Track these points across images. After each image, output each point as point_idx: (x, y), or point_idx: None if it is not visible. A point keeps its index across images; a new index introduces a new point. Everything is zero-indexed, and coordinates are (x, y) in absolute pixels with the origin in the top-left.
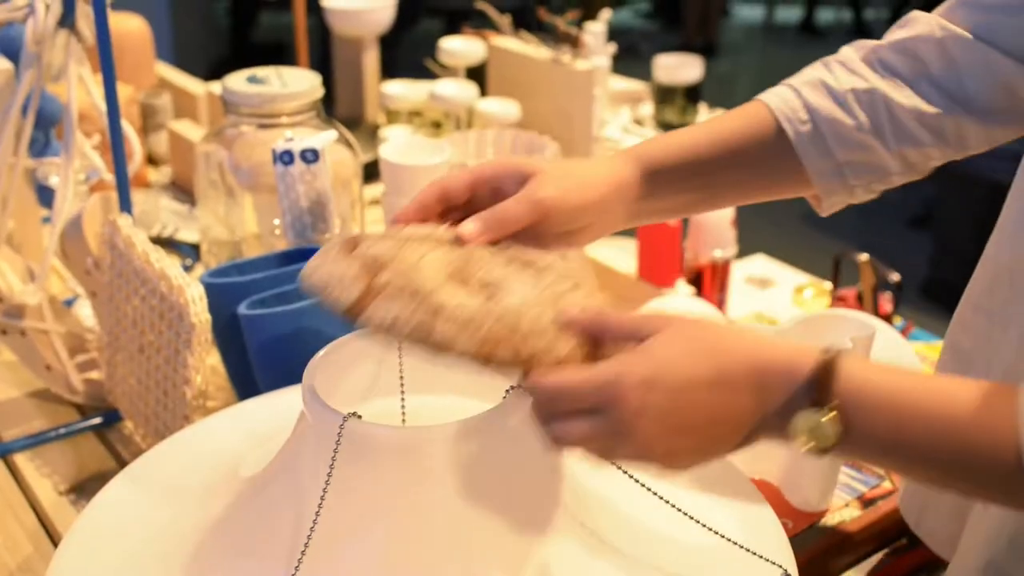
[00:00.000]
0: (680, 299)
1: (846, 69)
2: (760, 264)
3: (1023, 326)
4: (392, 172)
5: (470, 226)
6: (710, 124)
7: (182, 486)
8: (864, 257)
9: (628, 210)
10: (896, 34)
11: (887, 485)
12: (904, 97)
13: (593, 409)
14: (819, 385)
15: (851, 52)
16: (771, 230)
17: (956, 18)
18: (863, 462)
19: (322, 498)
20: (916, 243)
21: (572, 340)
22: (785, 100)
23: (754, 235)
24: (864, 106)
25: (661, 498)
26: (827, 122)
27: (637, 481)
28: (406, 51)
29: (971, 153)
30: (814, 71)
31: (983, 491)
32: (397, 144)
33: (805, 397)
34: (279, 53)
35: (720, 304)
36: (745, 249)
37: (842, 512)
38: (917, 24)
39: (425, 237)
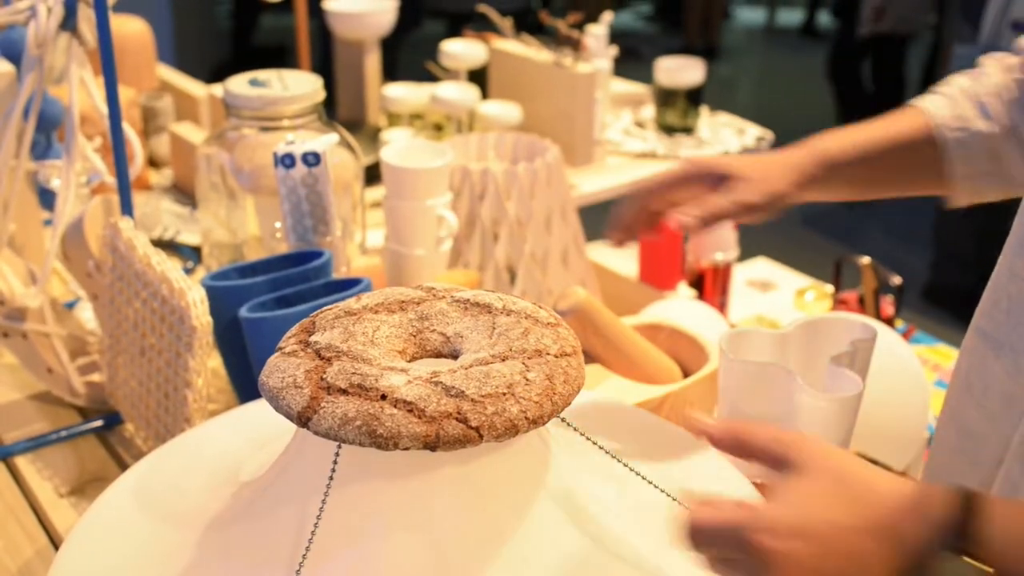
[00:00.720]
0: (682, 302)
1: (990, 80)
2: (761, 267)
3: (1016, 351)
4: (393, 175)
5: (693, 217)
6: (874, 126)
7: (183, 490)
8: (866, 260)
9: (790, 197)
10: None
11: None
12: None
13: (738, 547)
14: (959, 529)
15: (992, 63)
16: (772, 233)
17: None
18: None
19: (323, 504)
20: (918, 247)
21: (532, 400)
22: (938, 107)
23: (755, 238)
24: (1008, 117)
25: (657, 487)
26: (972, 132)
27: (640, 475)
28: (408, 53)
29: None
30: (960, 80)
31: None
32: (398, 147)
33: (940, 540)
34: (280, 56)
35: (721, 307)
36: (746, 252)
37: None
38: None
39: (381, 303)
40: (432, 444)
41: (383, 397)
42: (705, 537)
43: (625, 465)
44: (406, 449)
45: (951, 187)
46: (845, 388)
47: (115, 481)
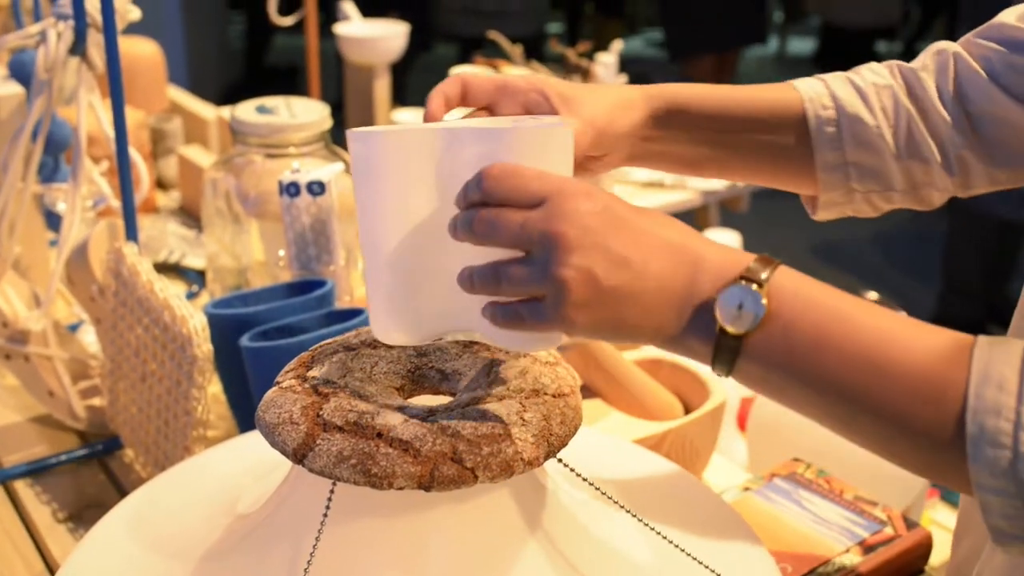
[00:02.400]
0: None
1: (874, 74)
2: None
3: None
4: None
5: None
6: (738, 87)
7: (180, 520)
8: (872, 295)
9: (634, 147)
10: (919, 60)
11: (889, 531)
12: (921, 117)
13: (537, 195)
14: (754, 268)
15: (878, 65)
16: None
17: (970, 48)
18: (767, 380)
19: (316, 541)
20: (925, 279)
21: (528, 441)
22: (813, 86)
23: None
24: (885, 111)
25: (652, 529)
26: (847, 114)
27: (629, 511)
28: (419, 76)
29: (975, 192)
30: (842, 72)
31: (897, 441)
32: None
33: (739, 276)
34: (293, 76)
35: None
36: None
37: (842, 558)
38: (937, 50)
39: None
40: (426, 484)
41: (379, 435)
42: (505, 182)
43: (621, 507)
44: (400, 489)
45: (815, 180)
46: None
47: (112, 509)
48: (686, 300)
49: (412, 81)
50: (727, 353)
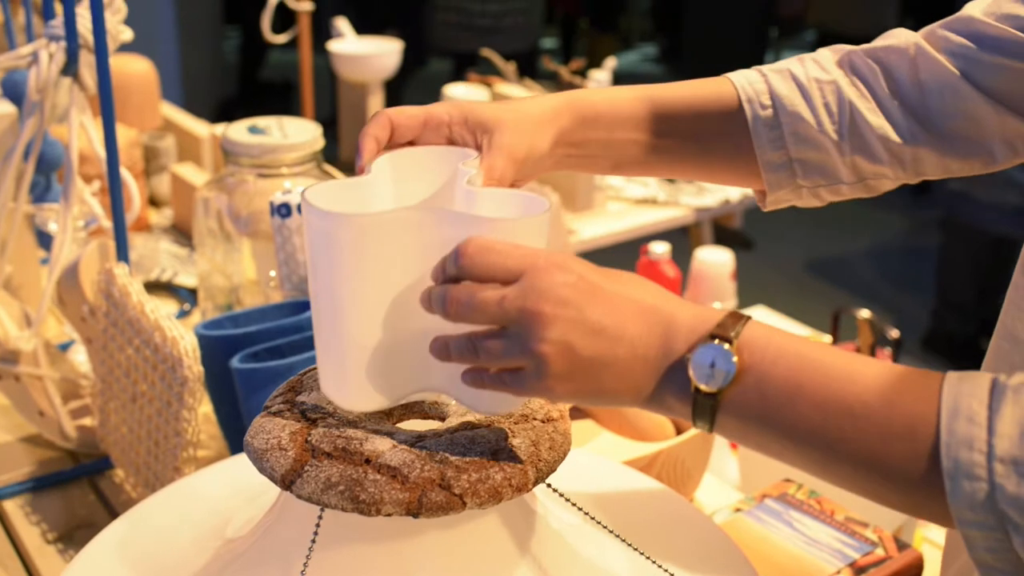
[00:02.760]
0: None
1: (819, 67)
2: (760, 316)
3: None
4: None
5: None
6: (666, 85)
7: (168, 544)
8: (864, 314)
9: (557, 161)
10: (874, 44)
11: (880, 552)
12: (868, 110)
13: (513, 272)
14: (724, 325)
15: (827, 53)
16: (772, 279)
17: (935, 41)
18: (746, 433)
19: (304, 567)
20: (919, 294)
21: (516, 467)
22: (751, 82)
23: (755, 285)
24: (827, 107)
25: (642, 554)
26: (788, 113)
27: (618, 536)
28: (415, 92)
29: (925, 179)
30: (787, 62)
31: (875, 482)
32: None
33: (709, 335)
34: (288, 92)
35: None
36: (745, 300)
37: None
38: (896, 38)
39: None
40: (415, 511)
41: (367, 461)
42: (482, 258)
43: (611, 532)
44: (389, 515)
45: (759, 177)
46: (520, 208)
47: (101, 532)
48: (661, 361)
49: (408, 97)
50: (706, 410)
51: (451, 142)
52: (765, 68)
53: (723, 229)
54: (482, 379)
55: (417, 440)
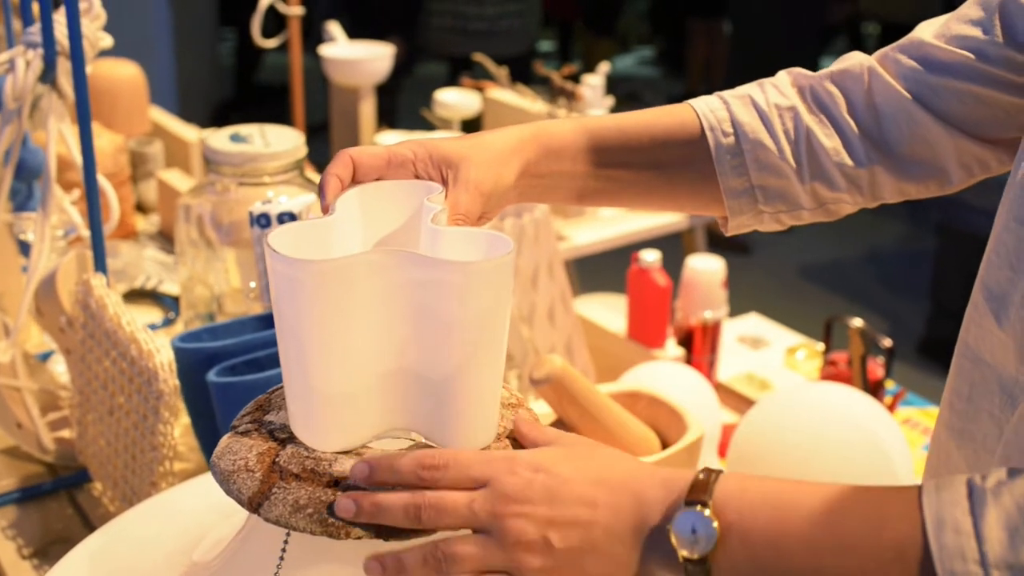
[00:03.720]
0: (667, 366)
1: (778, 92)
2: (753, 323)
3: (976, 440)
4: None
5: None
6: (629, 115)
7: (141, 561)
8: (856, 323)
9: (520, 194)
10: (830, 68)
11: None
12: (825, 136)
13: (479, 480)
14: (697, 487)
15: (785, 77)
16: (766, 285)
17: (888, 65)
18: None
19: None
20: (914, 300)
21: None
22: (713, 109)
23: (748, 292)
24: (787, 134)
25: None
26: (749, 141)
27: None
28: (409, 96)
29: (884, 202)
30: (747, 88)
31: None
32: None
33: (683, 501)
34: (283, 94)
35: (711, 365)
36: (739, 307)
37: None
38: (850, 61)
39: None
40: (384, 533)
41: (336, 483)
42: (448, 471)
43: None
44: (359, 539)
45: (720, 204)
46: (484, 250)
47: (74, 548)
48: (638, 536)
49: (402, 102)
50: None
51: (417, 179)
52: (726, 94)
53: (717, 235)
54: None
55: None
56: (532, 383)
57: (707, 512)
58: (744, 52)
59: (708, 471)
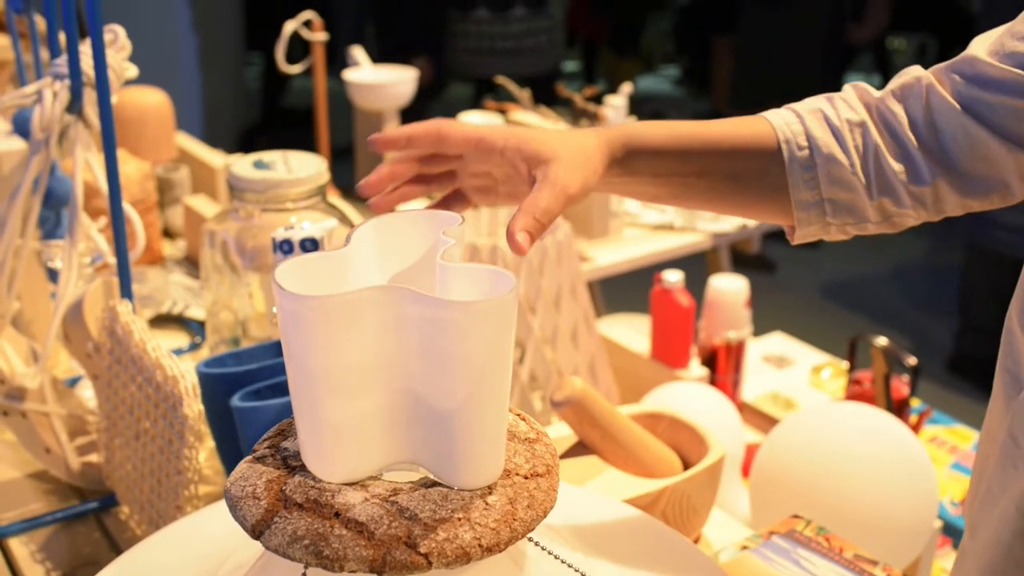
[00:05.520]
0: (690, 387)
1: (848, 107)
2: (778, 342)
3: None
4: None
5: (522, 233)
6: (707, 123)
7: None
8: (880, 342)
9: (600, 188)
10: (890, 86)
11: None
12: (892, 155)
13: None
14: None
15: (851, 91)
16: (790, 303)
17: (944, 83)
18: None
19: None
20: (941, 316)
21: (488, 527)
22: (788, 123)
23: (773, 310)
24: (857, 150)
25: None
26: (823, 155)
27: None
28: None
29: (947, 216)
30: (817, 102)
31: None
32: None
33: None
34: (310, 118)
35: (735, 385)
36: (763, 326)
37: None
38: (908, 78)
39: None
40: (378, 568)
41: (336, 515)
42: None
43: None
44: (352, 572)
45: (789, 214)
46: (488, 288)
47: (99, 572)
48: None
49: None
50: None
51: (499, 168)
52: (798, 107)
53: (741, 254)
54: None
55: (391, 493)
56: (552, 405)
57: None
58: (746, 68)
59: None
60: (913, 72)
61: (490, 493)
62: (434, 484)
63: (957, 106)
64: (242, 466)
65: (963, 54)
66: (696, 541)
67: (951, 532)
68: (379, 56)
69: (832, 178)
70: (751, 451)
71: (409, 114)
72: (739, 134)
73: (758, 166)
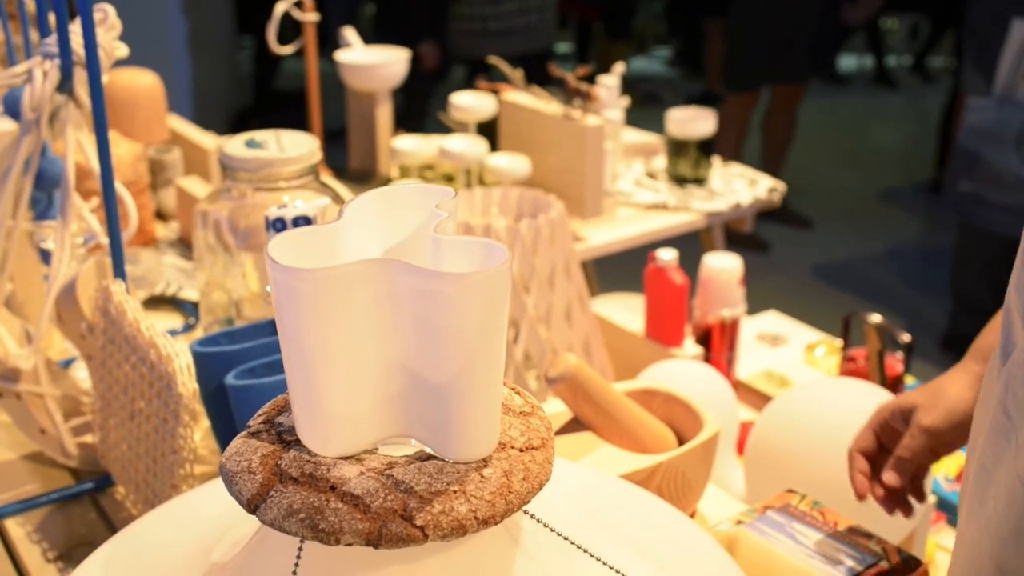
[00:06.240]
0: (685, 364)
1: None
2: (772, 321)
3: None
4: None
5: (893, 477)
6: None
7: (161, 563)
8: (874, 319)
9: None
10: None
11: (884, 564)
12: None
13: None
14: None
15: None
16: (784, 284)
17: None
18: None
19: None
20: (934, 296)
21: (484, 499)
22: None
23: (766, 290)
24: None
25: None
26: None
27: (603, 562)
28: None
29: None
30: None
31: None
32: None
33: None
34: (302, 100)
35: (729, 363)
36: (757, 305)
37: None
38: None
39: None
40: (374, 541)
41: (332, 488)
42: None
43: (600, 561)
44: (349, 545)
45: None
46: (481, 260)
47: (95, 551)
48: None
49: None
50: None
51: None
52: None
53: (735, 233)
54: None
55: (387, 467)
56: (547, 382)
57: None
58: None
59: None
60: None
61: (485, 466)
62: (429, 457)
63: None
64: (237, 442)
65: None
66: (692, 516)
67: (945, 508)
68: (381, 40)
69: None
70: (745, 429)
71: (416, 96)
72: None
73: None
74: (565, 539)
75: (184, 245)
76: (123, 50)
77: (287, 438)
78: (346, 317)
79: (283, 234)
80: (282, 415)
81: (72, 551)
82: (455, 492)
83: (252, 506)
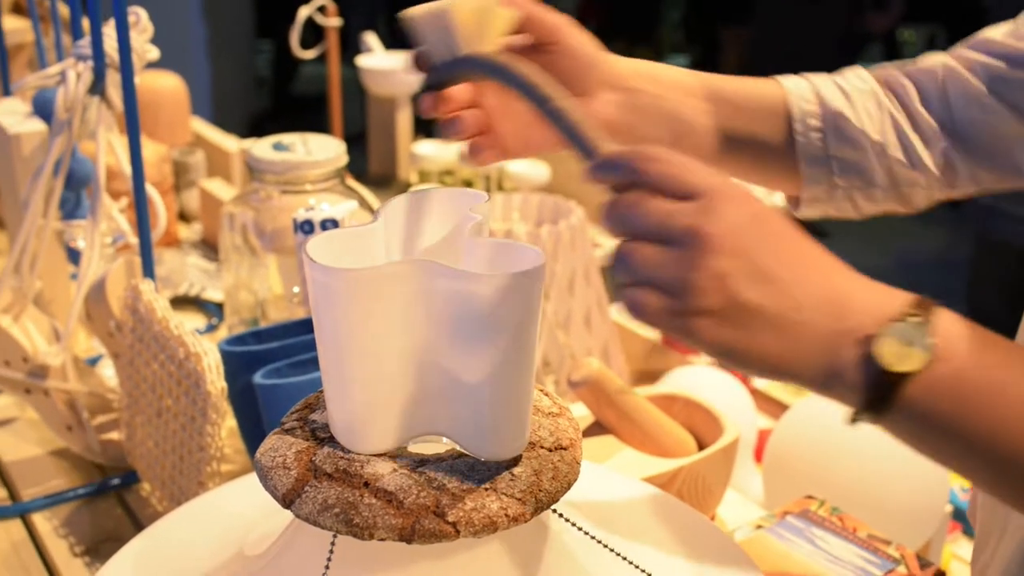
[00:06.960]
0: (704, 370)
1: (859, 79)
2: None
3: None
4: None
5: None
6: (720, 76)
7: (189, 559)
8: None
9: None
10: (904, 66)
11: (902, 570)
12: (902, 121)
13: (687, 192)
14: (920, 305)
15: (862, 70)
16: None
17: (962, 60)
18: (922, 433)
19: None
20: (951, 306)
21: (515, 497)
22: (797, 83)
23: None
24: (868, 111)
25: None
26: (831, 111)
27: (631, 562)
28: None
29: (959, 193)
30: (826, 75)
31: None
32: None
33: (901, 313)
34: (320, 105)
35: None
36: None
37: None
38: (926, 60)
39: None
40: (407, 537)
41: (365, 485)
42: (650, 165)
43: (624, 558)
44: (382, 540)
45: (797, 177)
46: (515, 262)
47: (123, 547)
48: (831, 334)
49: None
50: (883, 398)
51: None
52: (809, 75)
53: None
54: (625, 297)
55: (419, 464)
56: (570, 385)
57: (925, 325)
58: (763, 57)
59: (927, 299)
60: (930, 56)
61: (515, 465)
62: (461, 455)
63: (973, 81)
64: (271, 438)
65: (977, 36)
66: (711, 520)
67: (961, 518)
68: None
69: (839, 133)
70: (763, 436)
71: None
72: (751, 91)
73: (768, 124)
74: (592, 538)
75: (207, 246)
76: (154, 53)
77: (320, 435)
78: (382, 317)
79: (321, 235)
80: (315, 412)
81: (99, 546)
82: (486, 490)
83: (287, 501)
